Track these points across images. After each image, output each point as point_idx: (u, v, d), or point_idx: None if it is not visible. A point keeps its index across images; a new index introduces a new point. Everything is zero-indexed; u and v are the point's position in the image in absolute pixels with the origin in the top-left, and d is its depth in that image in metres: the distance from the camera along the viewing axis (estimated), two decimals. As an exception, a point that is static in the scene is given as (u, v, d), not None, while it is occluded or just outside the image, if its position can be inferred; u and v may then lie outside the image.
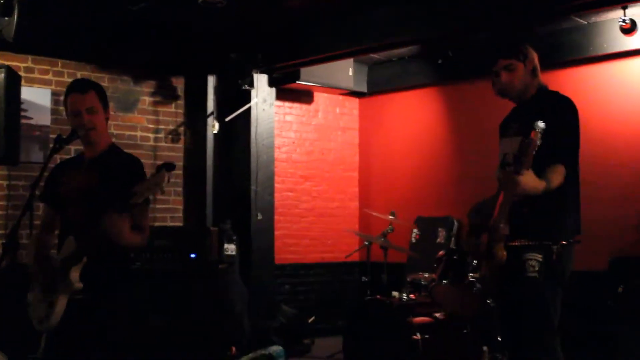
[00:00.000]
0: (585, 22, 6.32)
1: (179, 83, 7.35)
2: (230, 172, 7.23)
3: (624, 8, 5.68)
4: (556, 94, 3.66)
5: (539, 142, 3.15)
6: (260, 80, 7.13)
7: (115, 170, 3.43)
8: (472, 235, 3.57)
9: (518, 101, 3.73)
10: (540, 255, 3.40)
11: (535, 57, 3.68)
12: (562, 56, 6.56)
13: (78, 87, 3.47)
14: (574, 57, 6.51)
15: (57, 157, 3.78)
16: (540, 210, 3.37)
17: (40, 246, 3.57)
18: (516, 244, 3.43)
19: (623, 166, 6.24)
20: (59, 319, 3.26)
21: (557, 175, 3.35)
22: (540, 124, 3.16)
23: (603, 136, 6.33)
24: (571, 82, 6.54)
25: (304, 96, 8.15)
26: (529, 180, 3.22)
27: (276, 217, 7.39)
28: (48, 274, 3.35)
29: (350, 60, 7.64)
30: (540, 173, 3.29)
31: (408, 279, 5.88)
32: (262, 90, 7.15)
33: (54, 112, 6.38)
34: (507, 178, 3.26)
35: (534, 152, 3.15)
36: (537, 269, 3.39)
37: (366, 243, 6.14)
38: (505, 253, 3.34)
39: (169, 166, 3.11)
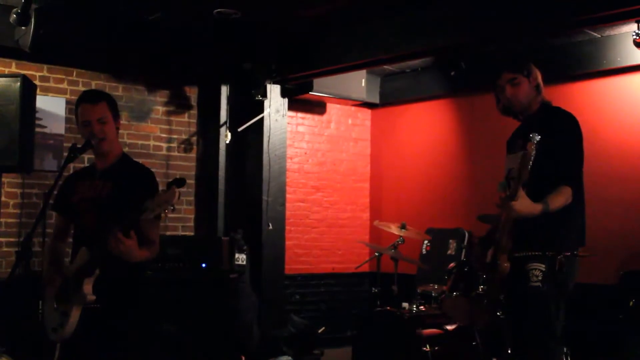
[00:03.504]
0: (599, 36, 6.31)
1: (192, 93, 7.39)
2: (242, 182, 7.25)
3: (638, 22, 5.67)
4: (559, 110, 3.70)
5: (533, 153, 3.23)
6: (274, 91, 7.15)
7: (127, 180, 3.44)
8: (479, 246, 3.64)
9: (521, 117, 3.78)
10: (543, 265, 3.47)
11: (539, 75, 3.73)
12: (576, 69, 6.56)
13: (89, 98, 3.50)
14: (588, 70, 6.50)
15: (71, 166, 3.81)
16: (545, 222, 3.43)
17: (53, 255, 3.59)
18: (521, 254, 3.49)
19: (636, 180, 6.21)
20: (73, 329, 3.27)
21: (560, 198, 3.43)
22: (536, 136, 3.27)
23: (615, 149, 6.31)
24: (584, 95, 6.53)
25: (317, 107, 8.17)
26: (524, 206, 3.32)
27: (287, 228, 7.41)
28: (61, 283, 3.37)
29: (363, 72, 7.65)
30: (542, 194, 3.37)
31: (418, 290, 5.88)
32: (275, 101, 7.17)
33: (68, 121, 6.42)
34: (503, 203, 3.35)
35: (530, 164, 3.24)
36: (540, 278, 3.45)
37: (376, 254, 6.14)
38: (508, 265, 3.43)
39: (179, 182, 3.10)
